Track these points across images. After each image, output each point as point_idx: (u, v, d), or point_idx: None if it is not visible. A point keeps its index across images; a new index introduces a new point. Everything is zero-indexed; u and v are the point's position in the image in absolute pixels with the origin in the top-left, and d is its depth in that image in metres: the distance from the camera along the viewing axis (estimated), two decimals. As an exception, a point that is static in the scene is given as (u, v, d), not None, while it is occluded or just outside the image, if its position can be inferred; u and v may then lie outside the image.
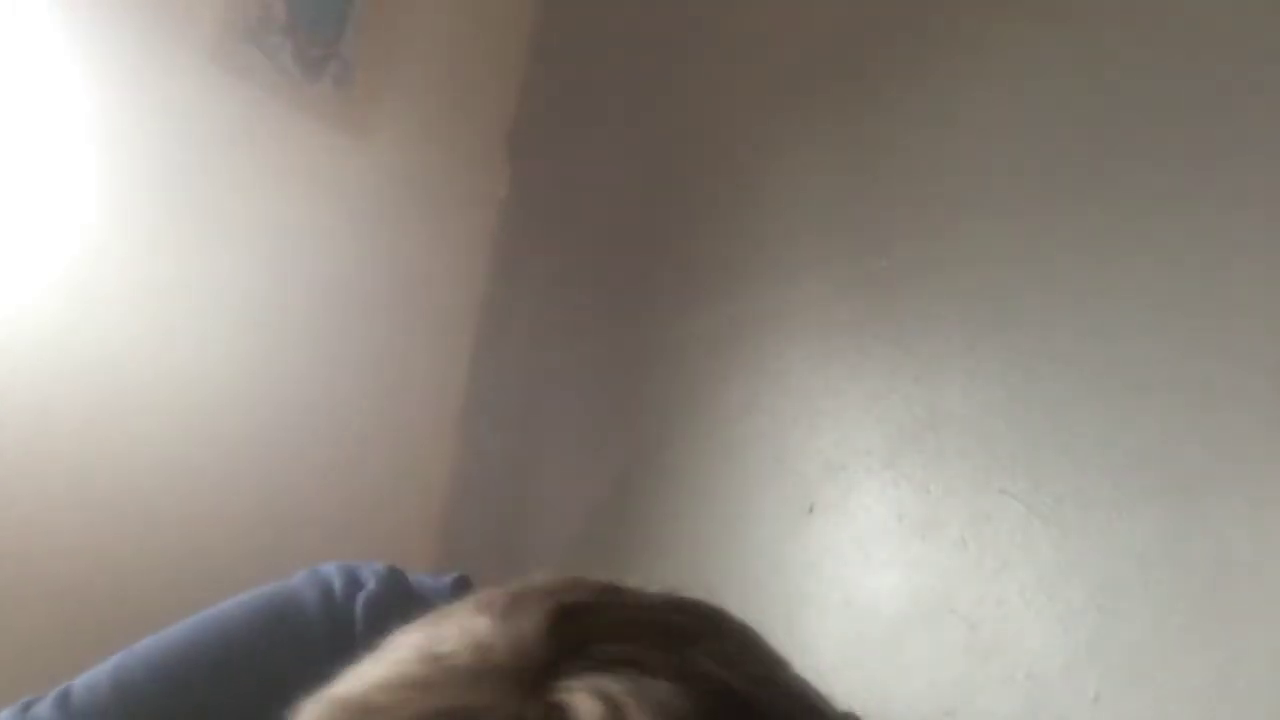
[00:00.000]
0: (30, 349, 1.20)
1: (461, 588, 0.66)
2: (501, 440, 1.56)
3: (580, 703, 0.37)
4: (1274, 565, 0.87)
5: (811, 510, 1.14)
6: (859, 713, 0.59)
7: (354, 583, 0.65)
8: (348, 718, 0.39)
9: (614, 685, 0.38)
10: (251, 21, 1.42)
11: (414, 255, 1.57)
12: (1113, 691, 0.92)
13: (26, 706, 0.56)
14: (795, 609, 1.14)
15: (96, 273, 1.25)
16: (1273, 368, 0.90)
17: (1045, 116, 1.12)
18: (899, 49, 1.26)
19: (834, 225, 1.26)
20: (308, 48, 1.47)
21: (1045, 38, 1.14)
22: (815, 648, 1.10)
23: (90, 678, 0.57)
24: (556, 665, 0.39)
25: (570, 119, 1.64)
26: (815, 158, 1.30)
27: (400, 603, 0.63)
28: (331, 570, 0.65)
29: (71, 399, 1.22)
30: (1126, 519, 0.95)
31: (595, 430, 1.39)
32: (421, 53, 1.60)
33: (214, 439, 1.33)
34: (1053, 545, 0.99)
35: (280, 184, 1.44)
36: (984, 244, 1.12)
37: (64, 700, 0.56)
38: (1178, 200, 1.00)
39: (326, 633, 0.60)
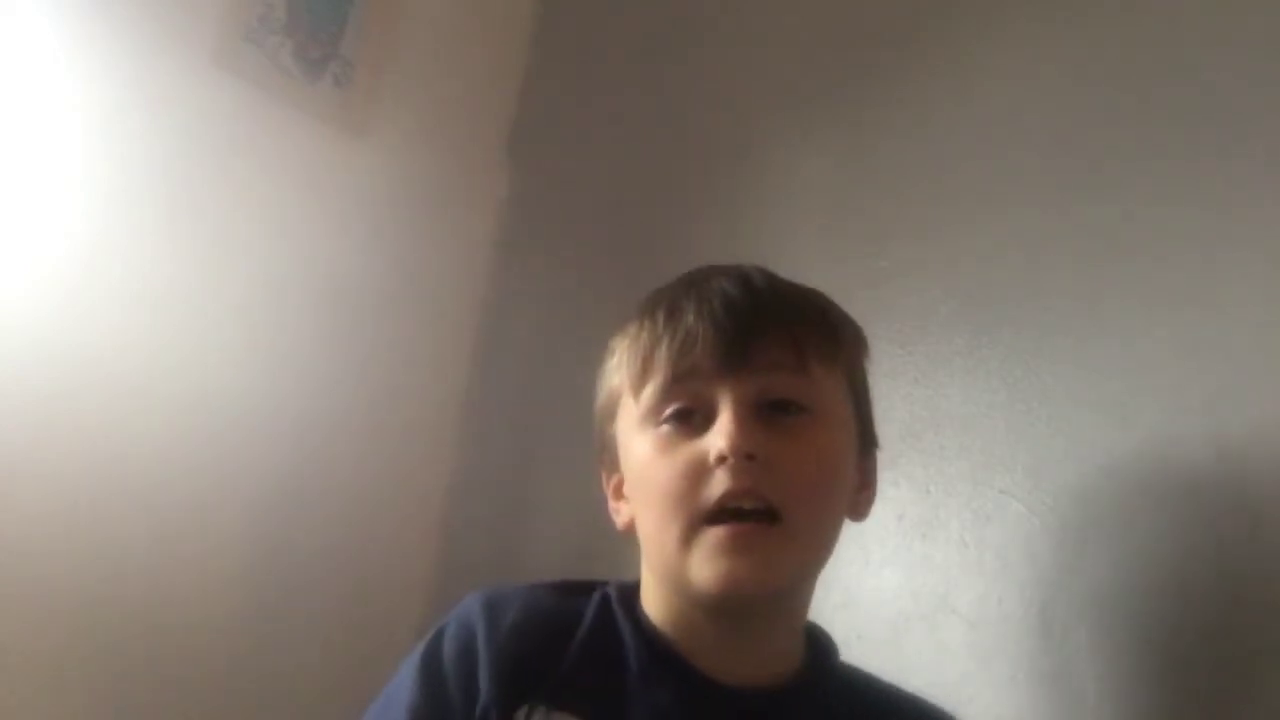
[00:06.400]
0: (29, 351, 1.20)
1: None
2: (501, 440, 1.56)
3: None
4: (1275, 564, 0.87)
5: (811, 510, 1.14)
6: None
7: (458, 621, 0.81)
8: None
9: None
10: (252, 21, 1.42)
11: (414, 255, 1.57)
12: (1113, 692, 0.92)
13: None
14: (795, 609, 1.13)
15: (96, 273, 1.25)
16: (1273, 367, 0.90)
17: (1046, 116, 1.12)
18: (900, 49, 1.26)
19: (834, 225, 1.26)
20: (308, 48, 1.47)
21: (1046, 38, 1.14)
22: (815, 648, 1.10)
23: None
24: None
25: (570, 119, 1.64)
26: (816, 157, 1.30)
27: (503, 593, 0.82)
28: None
29: (70, 400, 1.22)
30: (1126, 519, 0.95)
31: (595, 430, 1.39)
32: (421, 53, 1.60)
33: (213, 439, 1.33)
34: (1053, 545, 0.99)
35: (280, 184, 1.44)
36: (984, 244, 1.12)
37: None
38: (1178, 199, 1.00)
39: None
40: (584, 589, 0.84)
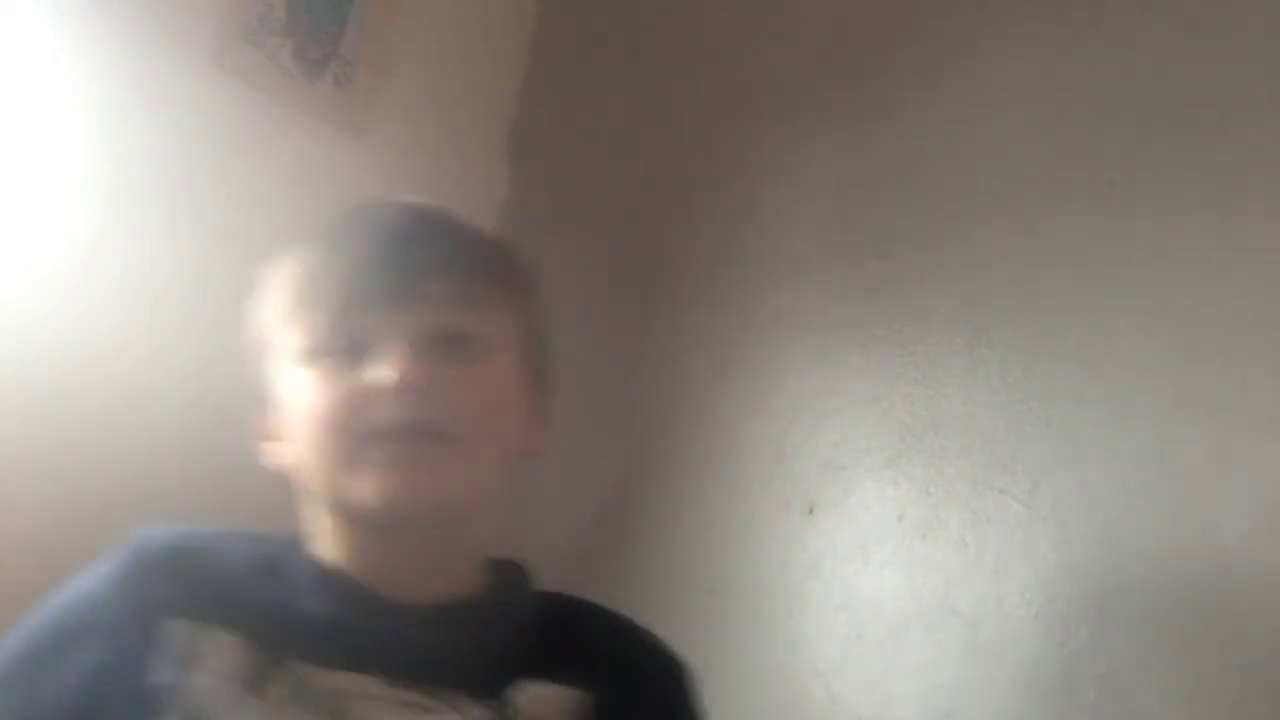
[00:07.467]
0: (29, 351, 1.20)
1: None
2: (501, 440, 1.56)
3: None
4: (1275, 565, 0.87)
5: (811, 510, 1.14)
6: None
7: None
8: None
9: None
10: (252, 22, 1.42)
11: (414, 255, 1.56)
12: (1112, 693, 0.92)
13: None
14: (795, 609, 1.14)
15: (96, 273, 1.25)
16: (1274, 366, 0.90)
17: (1045, 117, 1.12)
18: (899, 50, 1.26)
19: (834, 226, 1.26)
20: (308, 48, 1.47)
21: (1047, 39, 1.14)
22: (815, 648, 1.10)
23: None
24: None
25: (570, 119, 1.64)
26: (816, 158, 1.30)
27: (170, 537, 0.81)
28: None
29: (70, 400, 1.22)
30: (1126, 519, 0.95)
31: (595, 431, 1.39)
32: (421, 53, 1.60)
33: (212, 440, 1.33)
34: (1053, 545, 0.99)
35: (280, 184, 1.43)
36: (984, 244, 1.12)
37: None
38: (1178, 199, 1.00)
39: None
40: (245, 534, 0.84)
